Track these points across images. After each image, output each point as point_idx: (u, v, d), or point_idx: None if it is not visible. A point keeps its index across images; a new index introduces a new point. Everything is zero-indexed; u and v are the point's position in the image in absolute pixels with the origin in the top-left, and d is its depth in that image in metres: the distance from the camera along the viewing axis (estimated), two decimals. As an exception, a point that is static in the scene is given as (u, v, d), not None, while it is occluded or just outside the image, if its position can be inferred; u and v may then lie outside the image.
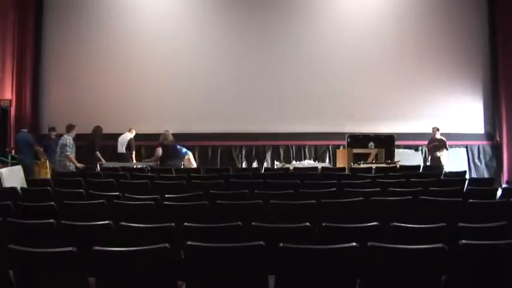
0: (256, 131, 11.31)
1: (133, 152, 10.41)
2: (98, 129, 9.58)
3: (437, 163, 9.80)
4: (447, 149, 10.16)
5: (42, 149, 9.73)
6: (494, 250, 2.73)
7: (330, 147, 11.33)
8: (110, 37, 11.66)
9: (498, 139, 11.35)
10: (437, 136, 10.17)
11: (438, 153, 10.04)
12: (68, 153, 8.32)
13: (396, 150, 10.02)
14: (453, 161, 10.58)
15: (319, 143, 11.42)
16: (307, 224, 3.39)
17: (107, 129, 10.24)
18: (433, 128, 10.27)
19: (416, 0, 11.60)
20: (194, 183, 6.09)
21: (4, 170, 8.24)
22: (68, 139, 8.43)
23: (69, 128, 8.62)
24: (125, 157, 10.17)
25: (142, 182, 6.10)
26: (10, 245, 2.77)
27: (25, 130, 9.63)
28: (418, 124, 11.13)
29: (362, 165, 8.77)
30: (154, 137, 10.80)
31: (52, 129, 10.43)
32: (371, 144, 9.60)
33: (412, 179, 6.16)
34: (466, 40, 11.42)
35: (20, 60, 11.40)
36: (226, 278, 2.76)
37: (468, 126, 11.38)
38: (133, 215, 4.20)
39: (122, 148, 10.30)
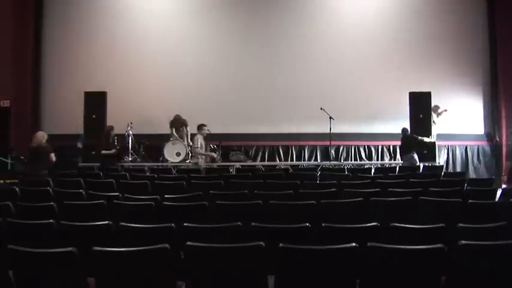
0: (255, 132, 11.33)
1: None
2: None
3: None
4: None
5: None
6: (494, 250, 2.73)
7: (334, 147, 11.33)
8: (110, 35, 11.67)
9: (498, 140, 11.36)
10: None
11: None
12: None
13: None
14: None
15: (320, 143, 11.40)
16: (307, 224, 3.39)
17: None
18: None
19: (416, 2, 11.62)
20: (194, 183, 6.09)
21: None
22: None
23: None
24: None
25: (142, 183, 6.11)
26: (10, 245, 2.77)
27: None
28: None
29: None
30: (154, 137, 10.82)
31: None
32: None
33: (411, 180, 6.17)
34: (465, 40, 11.44)
35: (20, 59, 11.39)
36: (226, 278, 2.76)
37: (468, 127, 11.39)
38: (133, 215, 4.20)
39: None
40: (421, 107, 10.13)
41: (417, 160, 9.25)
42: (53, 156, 7.54)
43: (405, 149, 9.54)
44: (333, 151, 11.07)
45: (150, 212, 4.36)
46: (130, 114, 10.86)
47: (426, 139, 9.71)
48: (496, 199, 5.31)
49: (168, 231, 3.43)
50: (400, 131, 9.77)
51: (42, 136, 7.67)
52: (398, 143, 10.28)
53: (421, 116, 10.04)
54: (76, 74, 11.55)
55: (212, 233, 3.47)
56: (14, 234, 3.62)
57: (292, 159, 11.38)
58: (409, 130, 9.77)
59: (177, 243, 2.96)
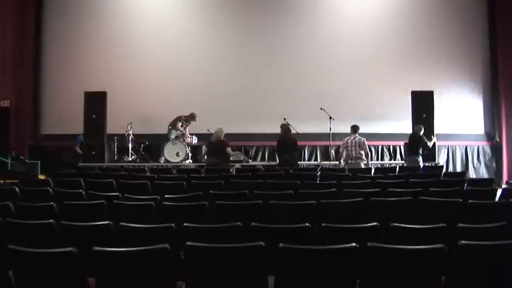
0: (255, 132, 11.33)
1: None
2: None
3: None
4: None
5: None
6: (494, 250, 2.73)
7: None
8: (110, 35, 11.68)
9: (498, 139, 11.36)
10: None
11: None
12: None
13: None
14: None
15: (320, 143, 11.40)
16: (307, 224, 3.39)
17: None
18: None
19: (416, 2, 11.63)
20: (194, 183, 6.08)
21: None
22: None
23: None
24: None
25: (142, 183, 6.10)
26: (10, 245, 2.77)
27: None
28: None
29: None
30: (154, 137, 10.82)
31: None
32: None
33: (411, 180, 6.16)
34: (466, 40, 11.46)
35: (20, 60, 11.40)
36: (226, 278, 2.76)
37: (468, 127, 11.39)
38: (133, 215, 4.20)
39: None
40: (423, 106, 10.08)
41: (421, 163, 9.04)
42: (229, 149, 8.46)
43: (413, 150, 9.19)
44: (333, 151, 11.04)
45: (150, 212, 4.36)
46: (131, 114, 10.86)
47: (430, 143, 9.33)
48: (496, 199, 5.31)
49: (168, 231, 3.43)
50: (397, 131, 9.68)
51: (220, 131, 8.48)
52: (399, 143, 10.26)
53: (424, 115, 9.99)
54: (76, 74, 11.55)
55: (212, 233, 3.47)
56: (14, 234, 3.61)
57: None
58: (422, 130, 9.23)
59: (177, 243, 2.96)
